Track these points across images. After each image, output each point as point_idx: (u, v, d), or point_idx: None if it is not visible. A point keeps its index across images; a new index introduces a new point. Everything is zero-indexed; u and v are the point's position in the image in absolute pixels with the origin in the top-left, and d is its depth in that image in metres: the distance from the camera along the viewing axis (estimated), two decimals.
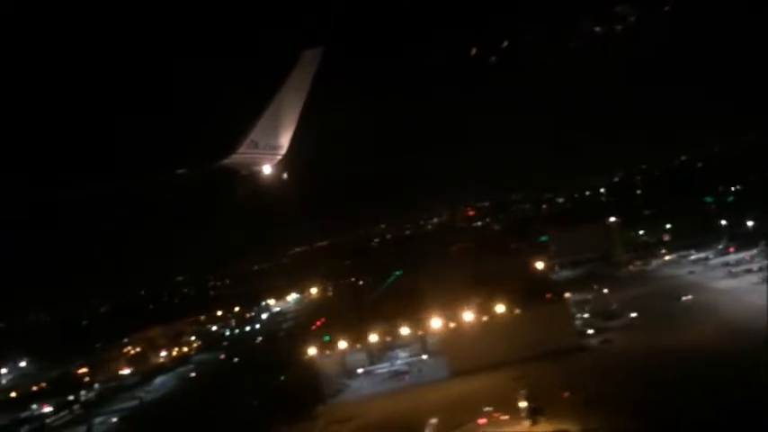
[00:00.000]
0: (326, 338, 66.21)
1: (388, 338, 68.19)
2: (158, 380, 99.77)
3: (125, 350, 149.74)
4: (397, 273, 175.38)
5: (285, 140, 26.85)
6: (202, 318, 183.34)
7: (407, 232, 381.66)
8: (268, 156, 26.39)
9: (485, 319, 58.90)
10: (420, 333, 67.24)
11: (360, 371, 66.96)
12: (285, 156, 26.95)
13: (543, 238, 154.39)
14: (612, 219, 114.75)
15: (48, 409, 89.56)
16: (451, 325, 60.31)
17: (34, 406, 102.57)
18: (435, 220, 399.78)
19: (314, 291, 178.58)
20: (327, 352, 65.30)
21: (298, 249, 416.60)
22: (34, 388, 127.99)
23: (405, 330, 66.19)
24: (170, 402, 75.73)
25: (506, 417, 44.57)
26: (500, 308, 58.86)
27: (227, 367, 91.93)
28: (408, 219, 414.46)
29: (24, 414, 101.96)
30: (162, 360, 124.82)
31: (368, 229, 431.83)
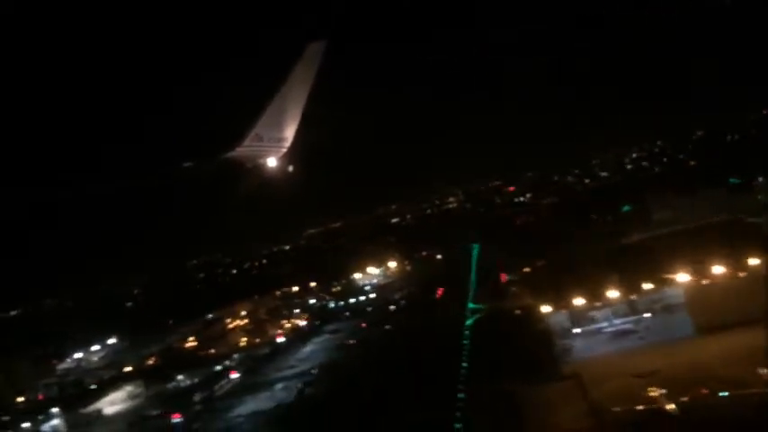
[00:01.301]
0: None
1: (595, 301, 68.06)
2: (307, 349, 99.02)
3: (227, 323, 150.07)
4: (475, 245, 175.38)
5: (290, 133, 26.97)
6: (278, 293, 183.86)
7: (428, 211, 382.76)
8: (273, 148, 26.49)
9: (742, 274, 58.50)
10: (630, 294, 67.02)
11: (576, 331, 66.51)
12: (290, 148, 27.10)
13: (626, 208, 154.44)
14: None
15: (235, 375, 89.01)
16: (703, 281, 59.96)
17: (180, 377, 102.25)
18: (452, 199, 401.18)
19: (393, 265, 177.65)
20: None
21: (312, 231, 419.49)
22: (150, 362, 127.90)
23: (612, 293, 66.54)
24: (364, 369, 74.89)
25: None
26: (754, 261, 58.45)
27: (385, 334, 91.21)
28: (421, 199, 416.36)
29: (171, 385, 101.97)
30: (282, 332, 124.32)
31: (384, 210, 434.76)
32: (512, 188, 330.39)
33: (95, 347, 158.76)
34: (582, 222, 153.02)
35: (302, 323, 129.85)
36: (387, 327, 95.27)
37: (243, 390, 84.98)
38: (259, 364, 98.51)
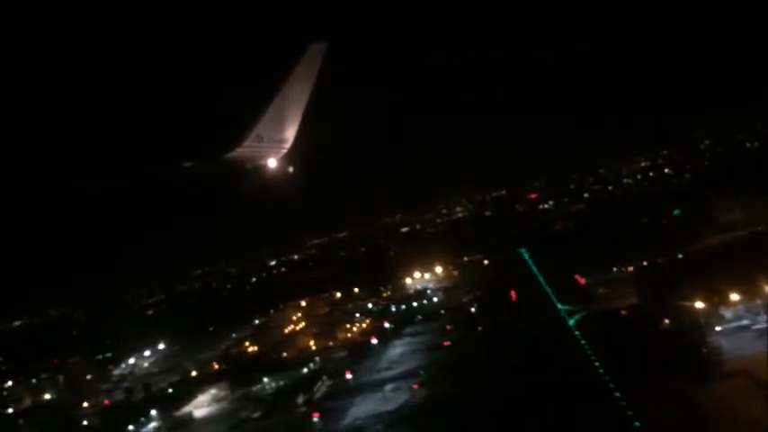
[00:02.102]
0: None
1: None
2: (395, 351, 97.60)
3: (281, 327, 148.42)
4: (524, 250, 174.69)
5: (290, 134, 26.70)
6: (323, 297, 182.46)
7: (438, 221, 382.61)
8: (273, 149, 26.26)
9: None
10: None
11: (718, 329, 65.40)
12: (290, 150, 26.89)
13: (676, 212, 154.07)
14: None
15: (349, 376, 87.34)
16: None
17: (265, 379, 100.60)
18: (459, 209, 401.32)
19: (439, 270, 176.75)
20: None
21: (318, 241, 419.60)
22: (216, 366, 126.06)
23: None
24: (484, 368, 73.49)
25: None
26: None
27: (483, 335, 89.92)
28: (425, 208, 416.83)
29: (256, 387, 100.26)
30: (350, 335, 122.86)
31: (390, 219, 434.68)
32: (533, 195, 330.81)
33: (147, 353, 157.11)
34: (639, 226, 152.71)
35: (366, 326, 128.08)
36: (479, 328, 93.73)
37: (347, 392, 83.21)
38: (346, 366, 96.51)
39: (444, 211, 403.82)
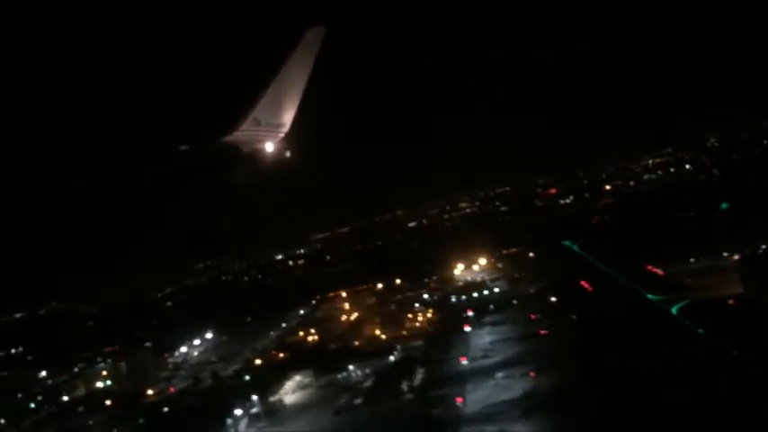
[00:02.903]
0: None
1: None
2: (482, 339, 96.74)
3: (333, 317, 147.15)
4: (567, 242, 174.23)
5: (288, 118, 26.71)
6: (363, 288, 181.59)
7: (446, 216, 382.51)
8: (270, 133, 26.24)
9: None
10: None
11: None
12: (287, 134, 26.93)
13: (724, 206, 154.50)
14: None
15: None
16: None
17: (351, 367, 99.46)
18: (464, 204, 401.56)
19: (482, 262, 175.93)
20: None
21: (321, 236, 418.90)
22: (280, 355, 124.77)
23: None
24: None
25: None
26: None
27: (580, 324, 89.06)
28: (429, 205, 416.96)
29: (341, 375, 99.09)
30: (417, 324, 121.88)
31: (392, 214, 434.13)
32: (554, 190, 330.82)
33: (196, 342, 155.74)
34: (689, 219, 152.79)
35: (430, 315, 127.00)
36: (572, 317, 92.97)
37: (451, 380, 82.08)
38: (435, 354, 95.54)
39: (449, 207, 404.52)
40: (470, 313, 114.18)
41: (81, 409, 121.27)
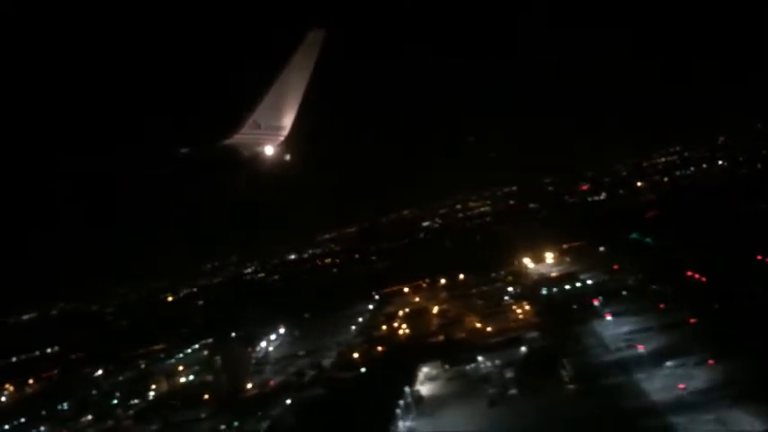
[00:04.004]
0: None
1: None
2: (620, 330, 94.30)
3: (420, 311, 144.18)
4: (635, 235, 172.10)
5: (288, 121, 26.58)
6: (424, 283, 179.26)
7: (460, 215, 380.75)
8: (271, 136, 26.20)
9: None
10: None
11: None
12: (287, 137, 26.80)
13: None
14: None
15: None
16: None
17: (480, 358, 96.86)
18: (475, 204, 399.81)
19: (550, 256, 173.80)
20: None
21: (328, 236, 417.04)
22: (379, 348, 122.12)
23: None
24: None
25: None
26: None
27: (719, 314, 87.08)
28: (437, 205, 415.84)
29: (470, 366, 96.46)
30: (520, 316, 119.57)
31: (396, 215, 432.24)
32: (585, 186, 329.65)
33: (272, 337, 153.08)
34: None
35: (528, 308, 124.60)
36: (715, 306, 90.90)
37: (610, 369, 79.81)
38: (570, 345, 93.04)
39: (459, 206, 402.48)
40: (576, 305, 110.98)
41: (174, 402, 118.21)
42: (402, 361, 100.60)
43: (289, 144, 26.97)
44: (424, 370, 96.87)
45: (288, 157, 27.16)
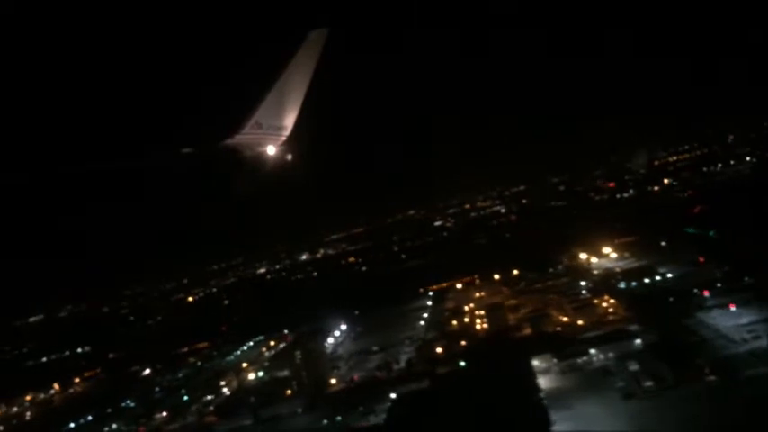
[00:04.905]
0: None
1: None
2: (739, 320, 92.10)
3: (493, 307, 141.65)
4: (690, 229, 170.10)
5: (290, 122, 26.46)
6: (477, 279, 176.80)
7: (473, 214, 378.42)
8: (272, 137, 26.04)
9: None
10: None
11: None
12: (289, 137, 26.68)
13: None
14: None
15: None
16: None
17: (592, 351, 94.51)
18: (488, 203, 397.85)
19: (607, 250, 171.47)
20: None
21: (335, 236, 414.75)
22: (462, 342, 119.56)
23: None
24: None
25: None
26: None
27: None
28: (437, 205, 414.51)
29: (581, 359, 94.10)
30: (610, 309, 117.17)
31: (403, 215, 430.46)
32: (612, 184, 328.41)
33: (337, 333, 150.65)
34: None
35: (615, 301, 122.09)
36: None
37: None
38: (681, 336, 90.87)
39: (468, 206, 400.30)
40: (673, 298, 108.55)
41: (255, 398, 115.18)
42: (508, 354, 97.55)
43: (290, 144, 26.65)
44: (534, 363, 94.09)
45: (289, 157, 26.73)
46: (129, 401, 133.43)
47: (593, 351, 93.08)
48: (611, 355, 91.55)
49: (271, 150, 26.10)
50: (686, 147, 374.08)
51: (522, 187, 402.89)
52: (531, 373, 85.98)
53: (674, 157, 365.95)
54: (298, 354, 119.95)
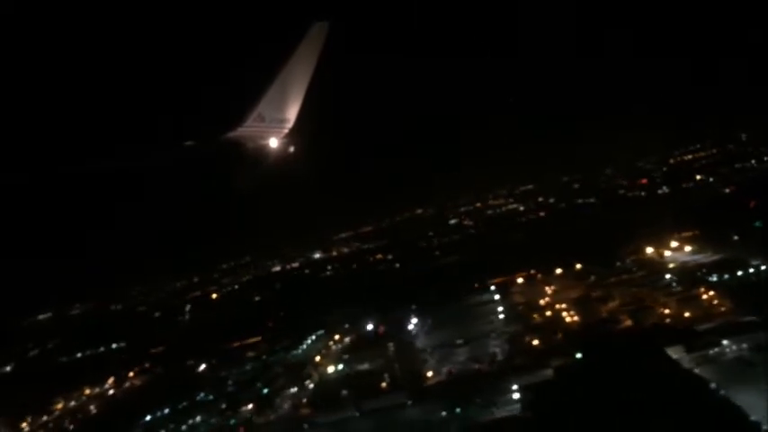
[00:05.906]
0: None
1: None
2: None
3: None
4: (758, 223, 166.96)
5: (292, 114, 26.50)
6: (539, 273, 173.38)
7: (489, 212, 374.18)
8: (275, 129, 26.08)
9: None
10: None
11: None
12: (292, 130, 26.61)
13: None
14: None
15: None
16: None
17: (725, 342, 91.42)
18: (501, 201, 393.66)
19: (675, 244, 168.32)
20: None
21: (344, 235, 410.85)
22: (559, 335, 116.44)
23: None
24: None
25: None
26: None
27: None
28: (446, 203, 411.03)
29: (714, 350, 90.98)
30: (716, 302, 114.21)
31: (412, 214, 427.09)
32: (644, 180, 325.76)
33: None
34: None
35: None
36: None
37: None
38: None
39: (480, 204, 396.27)
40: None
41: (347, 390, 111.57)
42: (635, 346, 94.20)
43: (293, 137, 26.45)
44: None
45: (292, 149, 26.63)
46: (203, 395, 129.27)
47: (725, 342, 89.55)
48: (744, 345, 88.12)
49: (273, 143, 26.00)
50: (698, 146, 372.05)
51: (530, 186, 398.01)
52: (673, 365, 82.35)
53: (690, 156, 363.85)
54: (388, 346, 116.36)
